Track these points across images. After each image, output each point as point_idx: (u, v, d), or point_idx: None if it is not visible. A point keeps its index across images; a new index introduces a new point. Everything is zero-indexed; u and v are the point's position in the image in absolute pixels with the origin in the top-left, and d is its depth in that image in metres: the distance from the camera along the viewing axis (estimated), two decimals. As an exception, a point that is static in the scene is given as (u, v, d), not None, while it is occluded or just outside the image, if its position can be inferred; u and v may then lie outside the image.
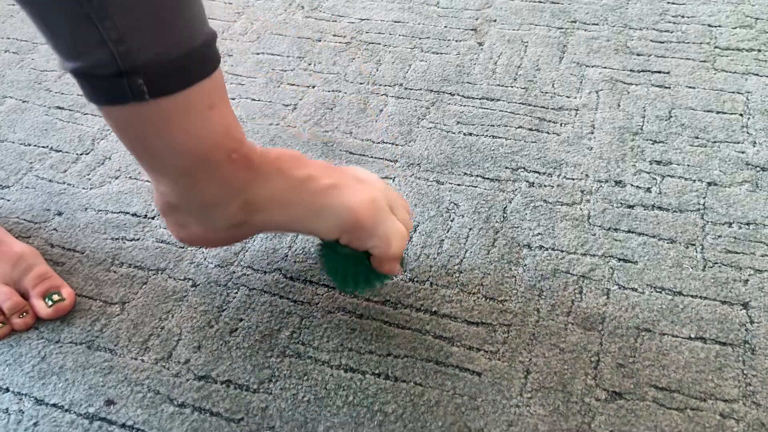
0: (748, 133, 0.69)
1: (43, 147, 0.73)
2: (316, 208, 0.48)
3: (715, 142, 0.68)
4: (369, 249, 0.49)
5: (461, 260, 0.58)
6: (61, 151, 0.72)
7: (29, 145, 0.74)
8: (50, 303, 0.55)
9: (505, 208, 0.63)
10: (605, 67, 0.79)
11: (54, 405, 0.49)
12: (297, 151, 0.51)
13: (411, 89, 0.78)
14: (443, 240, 0.60)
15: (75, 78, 0.42)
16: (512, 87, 0.77)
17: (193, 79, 0.42)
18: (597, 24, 0.86)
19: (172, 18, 0.40)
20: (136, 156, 0.47)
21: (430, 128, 0.73)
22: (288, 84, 0.81)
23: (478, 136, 0.71)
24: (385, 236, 0.48)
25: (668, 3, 0.89)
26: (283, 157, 0.49)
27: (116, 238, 0.62)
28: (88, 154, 0.72)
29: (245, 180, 0.48)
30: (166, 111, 0.42)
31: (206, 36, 0.43)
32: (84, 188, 0.68)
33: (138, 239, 0.62)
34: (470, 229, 0.61)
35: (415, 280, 0.57)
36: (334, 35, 0.89)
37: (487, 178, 0.66)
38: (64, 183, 0.68)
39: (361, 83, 0.80)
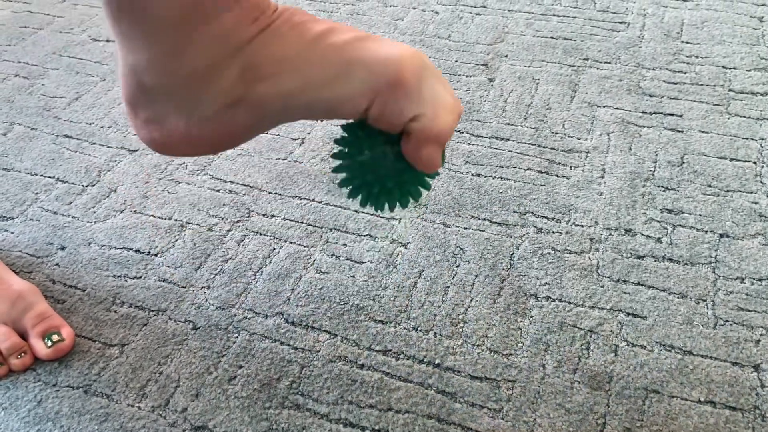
0: (761, 182, 0.67)
1: (49, 177, 0.73)
2: (341, 66, 0.35)
3: (728, 191, 0.67)
4: (409, 122, 0.36)
5: (466, 309, 0.57)
6: (67, 182, 0.72)
7: (35, 174, 0.73)
8: (50, 343, 0.54)
9: (512, 254, 0.62)
10: (617, 108, 0.78)
11: (48, 452, 0.49)
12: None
13: (420, 126, 0.78)
14: (448, 287, 0.59)
15: None
16: (522, 126, 0.77)
17: None
18: (609, 63, 0.86)
19: None
20: (114, 8, 0.36)
21: (438, 167, 0.72)
22: (296, 117, 0.80)
23: (486, 177, 0.70)
24: (433, 101, 0.36)
25: (682, 42, 0.88)
26: (294, 12, 0.38)
27: (118, 276, 0.61)
28: (94, 185, 0.72)
29: (248, 34, 0.36)
30: None
31: None
32: (88, 222, 0.67)
33: (140, 277, 0.61)
34: (476, 276, 0.60)
35: (419, 329, 0.56)
36: (345, 67, 0.88)
37: (495, 222, 0.65)
38: (68, 216, 0.68)
39: (369, 118, 0.79)
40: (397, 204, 0.39)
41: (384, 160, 0.37)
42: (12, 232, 0.66)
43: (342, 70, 0.35)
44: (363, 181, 0.38)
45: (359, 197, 0.39)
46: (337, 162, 0.37)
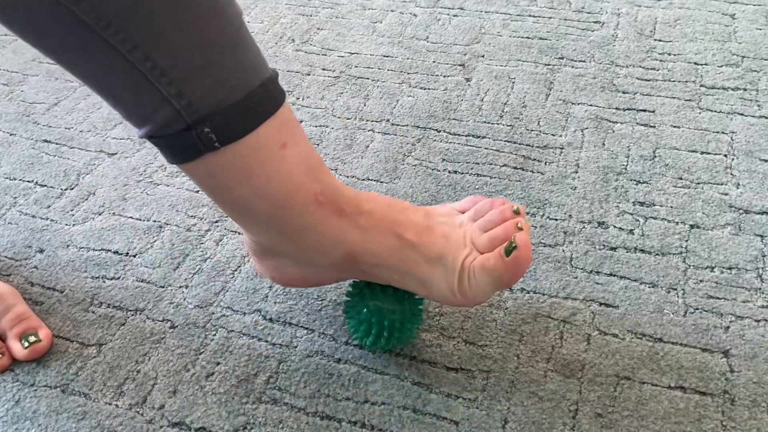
0: (731, 174, 0.69)
1: (28, 181, 0.73)
2: (422, 280, 0.48)
3: (698, 183, 0.68)
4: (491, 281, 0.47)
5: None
6: (45, 185, 0.72)
7: (14, 179, 0.74)
8: (26, 344, 0.54)
9: (487, 248, 0.63)
10: (591, 105, 0.79)
11: (25, 451, 0.49)
12: (381, 195, 0.50)
13: (398, 125, 0.79)
14: (425, 281, 0.60)
15: (152, 143, 0.43)
16: (498, 124, 0.78)
17: (258, 119, 0.42)
18: (584, 61, 0.87)
19: (225, 64, 0.40)
20: (226, 210, 0.47)
21: (416, 165, 0.73)
22: (275, 118, 0.81)
23: (462, 174, 0.71)
24: (485, 283, 0.47)
25: (655, 40, 0.90)
26: (379, 209, 0.48)
27: (96, 277, 0.62)
28: (72, 189, 0.72)
29: (341, 228, 0.47)
30: (239, 156, 0.42)
31: (265, 75, 0.43)
32: (67, 224, 0.67)
33: (118, 278, 0.62)
34: (452, 270, 0.61)
35: (395, 323, 0.56)
36: (324, 69, 0.89)
37: (471, 218, 0.66)
38: (47, 219, 0.68)
39: (348, 118, 0.80)
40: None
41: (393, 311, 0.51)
42: (-10, 236, 0.67)
43: (423, 283, 0.48)
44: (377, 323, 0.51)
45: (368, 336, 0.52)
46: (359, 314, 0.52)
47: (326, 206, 0.46)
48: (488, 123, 0.78)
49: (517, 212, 0.49)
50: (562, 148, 0.74)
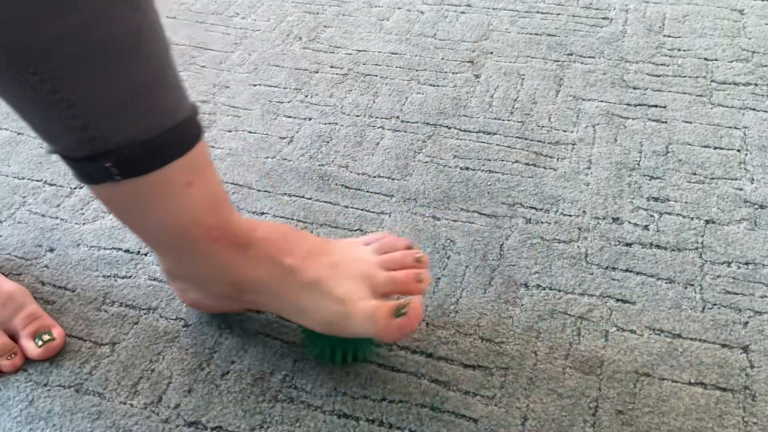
0: (745, 169, 0.68)
1: (36, 180, 0.73)
2: (299, 307, 0.49)
3: (712, 178, 0.67)
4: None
5: (457, 299, 0.57)
6: (55, 184, 0.72)
7: (23, 178, 0.73)
8: (40, 343, 0.54)
9: (501, 245, 0.62)
10: (602, 101, 0.79)
11: (40, 452, 0.48)
12: (286, 225, 0.51)
13: (408, 122, 0.78)
14: (439, 278, 0.59)
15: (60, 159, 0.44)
16: (509, 120, 0.77)
17: (165, 159, 0.42)
18: (593, 57, 0.86)
19: (138, 105, 0.40)
20: (128, 228, 0.49)
21: (427, 162, 0.72)
22: (284, 116, 0.81)
23: (474, 170, 0.71)
24: (364, 329, 0.47)
25: (664, 36, 0.90)
26: (269, 239, 0.49)
27: (108, 276, 0.61)
28: (82, 187, 0.71)
29: (231, 258, 0.48)
30: (141, 190, 0.43)
31: (182, 116, 0.43)
32: (77, 223, 0.67)
33: (130, 277, 0.61)
34: (467, 266, 0.60)
35: (411, 320, 0.56)
36: (332, 67, 0.89)
37: (484, 214, 0.65)
38: (57, 218, 0.68)
39: (357, 116, 0.80)
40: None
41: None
42: (0, 236, 0.66)
43: (299, 311, 0.49)
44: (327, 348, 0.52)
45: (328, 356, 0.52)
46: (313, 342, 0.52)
47: (220, 240, 0.47)
48: (499, 119, 0.78)
49: (419, 261, 0.50)
50: (574, 144, 0.73)
